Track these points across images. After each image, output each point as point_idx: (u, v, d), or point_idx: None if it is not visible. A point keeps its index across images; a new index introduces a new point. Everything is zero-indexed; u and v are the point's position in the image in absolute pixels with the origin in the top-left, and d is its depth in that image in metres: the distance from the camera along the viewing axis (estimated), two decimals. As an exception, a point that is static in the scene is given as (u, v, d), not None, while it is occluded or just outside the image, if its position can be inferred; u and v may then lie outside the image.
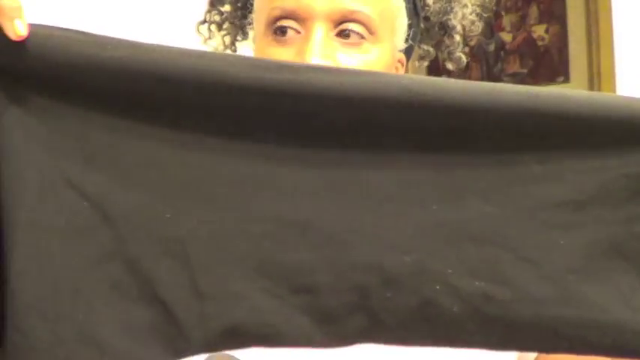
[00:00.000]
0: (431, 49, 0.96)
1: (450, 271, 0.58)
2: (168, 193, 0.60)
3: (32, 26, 0.59)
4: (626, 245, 0.57)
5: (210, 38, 0.98)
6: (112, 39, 0.60)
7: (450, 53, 0.95)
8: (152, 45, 0.60)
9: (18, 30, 0.58)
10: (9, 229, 0.58)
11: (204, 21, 0.98)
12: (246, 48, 0.98)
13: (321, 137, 0.60)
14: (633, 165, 0.57)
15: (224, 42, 0.97)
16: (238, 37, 0.97)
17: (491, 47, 1.99)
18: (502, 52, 2.00)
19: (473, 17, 0.95)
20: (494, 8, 1.00)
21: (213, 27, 0.97)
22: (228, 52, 0.98)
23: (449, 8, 0.93)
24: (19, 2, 0.58)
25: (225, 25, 0.97)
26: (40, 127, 0.59)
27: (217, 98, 0.59)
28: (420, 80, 0.59)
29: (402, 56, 0.90)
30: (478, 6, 0.95)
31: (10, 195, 0.58)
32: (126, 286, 0.60)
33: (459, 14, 0.94)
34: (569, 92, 0.59)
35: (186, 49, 0.60)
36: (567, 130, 0.57)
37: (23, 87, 0.59)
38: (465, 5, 0.94)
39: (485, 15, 0.96)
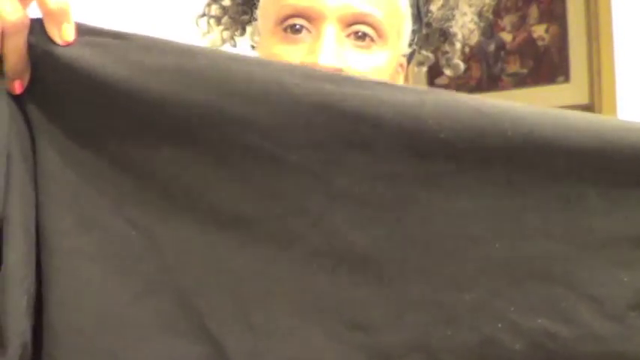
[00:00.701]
0: (430, 55, 0.97)
1: (512, 308, 0.56)
2: (221, 223, 0.58)
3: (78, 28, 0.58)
4: None
5: (208, 32, 0.97)
6: (156, 41, 0.58)
7: (448, 60, 0.95)
8: (201, 49, 0.59)
9: (66, 35, 0.57)
10: (47, 256, 0.56)
11: (204, 14, 0.98)
12: (244, 43, 0.98)
13: (381, 166, 0.57)
14: None
15: (222, 36, 0.97)
16: (237, 33, 0.97)
17: (492, 47, 1.98)
18: (502, 52, 2.00)
19: (472, 26, 0.95)
20: (490, 17, 0.99)
21: (212, 21, 0.97)
22: (227, 46, 0.98)
23: (450, 15, 0.93)
24: (68, 4, 0.57)
25: (224, 20, 0.97)
26: (83, 150, 0.58)
27: (276, 113, 0.57)
28: (488, 103, 0.56)
29: (404, 60, 0.90)
30: (476, 14, 0.95)
31: (50, 220, 0.57)
32: (173, 319, 0.58)
33: (460, 22, 0.94)
34: (632, 124, 0.57)
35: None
36: (629, 164, 0.55)
37: (63, 102, 0.58)
38: (465, 13, 0.94)
39: (482, 24, 0.96)
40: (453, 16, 0.93)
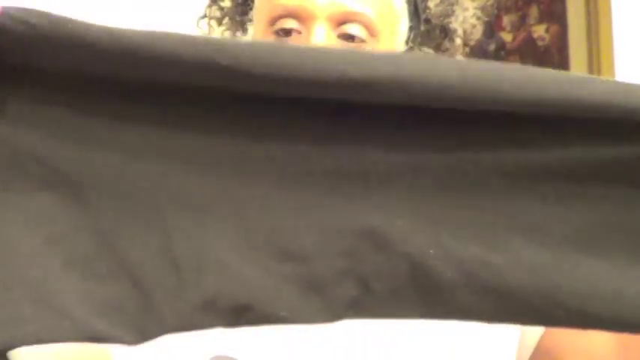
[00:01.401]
0: (431, 52, 0.97)
1: (444, 235, 0.56)
2: (143, 154, 0.56)
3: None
4: (625, 222, 0.57)
5: (209, 34, 0.98)
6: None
7: (450, 56, 0.95)
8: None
9: None
10: None
11: (205, 16, 0.98)
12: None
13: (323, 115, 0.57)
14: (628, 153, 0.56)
15: (223, 37, 0.97)
16: (238, 33, 0.97)
17: (492, 47, 1.99)
18: (502, 52, 2.00)
19: (473, 21, 0.95)
20: (495, 12, 0.99)
21: (213, 22, 0.97)
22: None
23: (450, 11, 0.93)
24: None
25: (225, 21, 0.97)
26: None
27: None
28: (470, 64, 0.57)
29: None
30: (478, 9, 0.95)
31: None
32: (92, 257, 0.56)
33: (460, 17, 0.94)
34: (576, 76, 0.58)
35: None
36: (555, 97, 0.55)
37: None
38: (466, 9, 0.94)
39: (485, 19, 0.96)
40: (453, 11, 0.93)
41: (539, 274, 0.55)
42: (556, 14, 1.94)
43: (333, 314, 0.57)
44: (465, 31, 0.95)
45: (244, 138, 0.57)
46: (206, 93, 0.56)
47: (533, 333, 0.83)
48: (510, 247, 0.56)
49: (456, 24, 0.94)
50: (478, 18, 0.95)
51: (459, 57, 0.96)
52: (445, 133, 0.57)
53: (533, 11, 1.99)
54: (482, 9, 0.96)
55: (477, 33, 0.95)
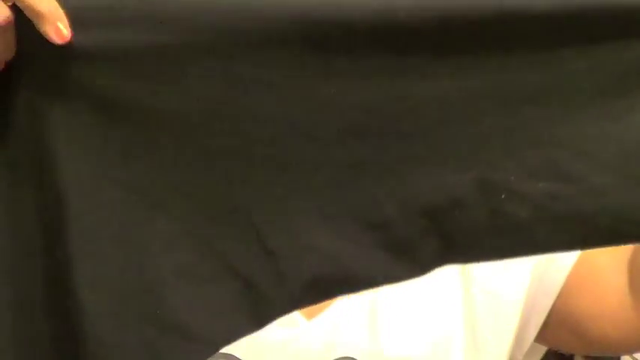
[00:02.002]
0: None
1: (512, 178, 0.57)
2: (217, 165, 0.59)
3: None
4: None
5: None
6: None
7: None
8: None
9: (63, 33, 0.56)
10: (61, 239, 0.57)
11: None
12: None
13: (360, 67, 0.57)
14: None
15: None
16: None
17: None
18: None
19: None
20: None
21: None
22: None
23: None
24: (56, 3, 0.55)
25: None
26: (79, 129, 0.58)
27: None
28: None
29: None
30: None
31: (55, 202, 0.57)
32: (196, 268, 0.59)
33: None
34: None
35: None
36: (603, 21, 0.56)
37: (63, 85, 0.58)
38: None
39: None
40: None
41: (606, 196, 0.57)
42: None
43: (422, 268, 0.60)
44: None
45: (304, 120, 0.59)
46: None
47: (541, 304, 0.82)
48: (577, 174, 0.57)
49: None
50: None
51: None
52: (491, 71, 0.57)
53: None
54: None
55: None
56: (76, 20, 0.56)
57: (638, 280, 0.76)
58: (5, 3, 0.55)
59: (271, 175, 0.59)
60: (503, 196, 0.57)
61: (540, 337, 0.82)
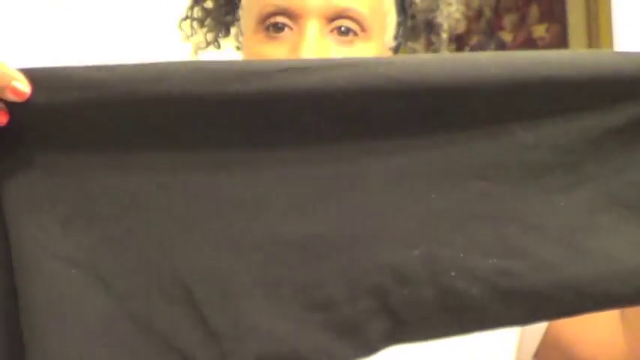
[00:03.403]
0: (417, 47, 0.96)
1: (461, 255, 0.57)
2: (160, 241, 0.59)
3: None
4: (624, 194, 0.58)
5: (192, 35, 0.97)
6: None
7: (435, 51, 0.95)
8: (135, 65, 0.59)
9: (23, 90, 0.57)
10: (25, 262, 0.57)
11: (187, 17, 0.97)
12: (229, 45, 0.98)
13: (308, 146, 0.59)
14: (616, 120, 0.57)
15: (206, 39, 0.97)
16: (220, 34, 0.97)
17: (492, 47, 1.98)
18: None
19: (457, 15, 0.95)
20: (476, 7, 0.99)
21: (195, 23, 0.97)
22: (211, 48, 0.98)
23: (435, 6, 0.93)
24: (8, 67, 0.57)
25: (208, 22, 0.96)
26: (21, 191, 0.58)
27: (183, 117, 0.58)
28: (399, 65, 0.58)
29: (391, 54, 0.90)
30: (462, 4, 0.95)
31: (26, 226, 0.58)
32: (137, 345, 0.58)
33: (445, 12, 0.93)
34: (545, 55, 0.59)
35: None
36: (549, 94, 0.57)
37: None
38: (450, 4, 0.94)
39: (468, 14, 0.96)
40: (438, 6, 0.93)
41: (558, 269, 0.57)
42: (556, 14, 1.93)
43: (370, 349, 0.59)
44: (449, 26, 0.96)
45: (249, 195, 0.59)
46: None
47: (535, 328, 0.83)
48: (527, 249, 0.57)
49: (441, 19, 0.93)
50: (462, 13, 0.95)
51: (445, 51, 0.96)
52: (435, 147, 0.58)
53: (533, 11, 1.98)
54: (465, 5, 0.96)
55: (461, 27, 0.95)
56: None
57: (629, 309, 0.77)
58: None
59: (214, 252, 0.59)
60: (453, 274, 0.57)
61: None
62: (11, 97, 0.57)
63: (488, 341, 0.80)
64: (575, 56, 0.59)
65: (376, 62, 0.60)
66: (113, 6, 1.47)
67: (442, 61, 0.58)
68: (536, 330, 0.83)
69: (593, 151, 0.57)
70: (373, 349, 0.59)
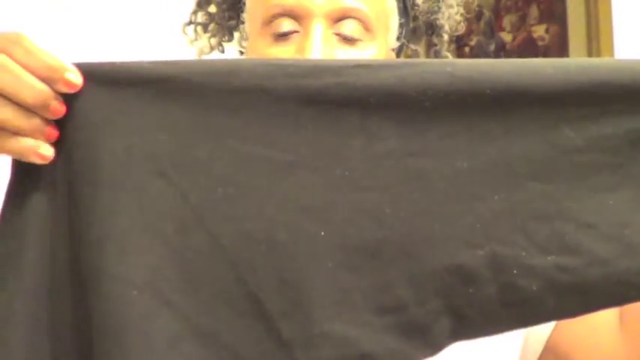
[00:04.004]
0: (419, 49, 0.97)
1: (523, 253, 0.59)
2: (225, 253, 0.59)
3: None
4: None
5: (196, 40, 0.98)
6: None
7: (437, 52, 0.95)
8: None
9: (73, 82, 0.58)
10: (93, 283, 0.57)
11: (190, 22, 0.98)
12: (232, 49, 0.98)
13: (375, 147, 0.60)
14: None
15: (210, 43, 0.97)
16: (224, 39, 0.97)
17: (492, 47, 1.98)
18: (502, 52, 1.99)
19: (458, 17, 0.95)
20: (475, 9, 1.00)
21: (199, 28, 0.97)
22: (215, 53, 0.98)
23: (436, 8, 0.93)
24: (60, 59, 0.58)
25: (211, 27, 0.97)
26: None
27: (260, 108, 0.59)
28: (463, 65, 0.60)
29: (394, 55, 0.90)
30: (462, 7, 0.95)
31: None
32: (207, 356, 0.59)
33: (446, 14, 0.94)
34: (595, 61, 0.62)
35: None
36: (596, 98, 0.60)
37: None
38: (451, 6, 0.94)
39: (468, 16, 0.96)
40: (439, 8, 0.93)
41: (609, 264, 0.59)
42: (556, 14, 1.93)
43: (434, 348, 0.61)
44: (450, 28, 0.96)
45: (319, 199, 0.60)
46: None
47: (540, 332, 0.83)
48: (581, 246, 0.60)
49: (443, 20, 0.94)
50: (462, 15, 0.95)
51: (447, 53, 0.96)
52: (496, 150, 0.60)
53: (533, 11, 1.98)
54: (465, 7, 0.97)
55: (462, 29, 0.96)
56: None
57: (628, 316, 0.77)
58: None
59: (283, 259, 0.59)
60: (515, 272, 0.59)
61: None
62: (65, 89, 0.58)
63: (493, 345, 0.80)
64: (621, 63, 0.62)
65: (441, 62, 0.61)
66: (113, 6, 1.48)
67: (501, 64, 0.60)
68: (540, 336, 0.83)
69: (635, 153, 0.61)
70: (439, 347, 0.61)
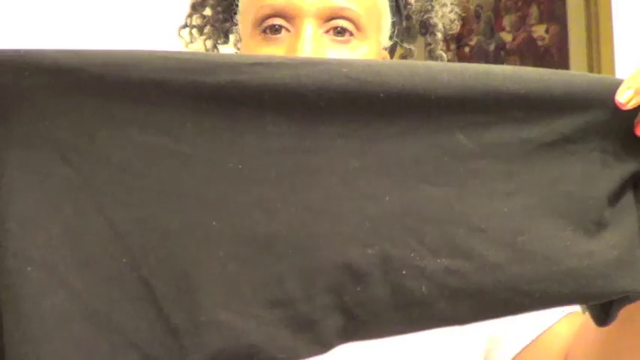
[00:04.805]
0: (412, 48, 0.97)
1: (412, 254, 0.59)
2: (119, 236, 0.60)
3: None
4: (557, 203, 0.61)
5: (191, 42, 0.98)
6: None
7: (431, 51, 0.95)
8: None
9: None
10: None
11: (186, 25, 0.98)
12: (228, 51, 0.98)
13: (269, 142, 0.60)
14: (551, 135, 0.61)
15: (205, 46, 0.97)
16: (219, 41, 0.97)
17: (492, 47, 1.98)
18: (502, 52, 1.99)
19: (453, 16, 0.95)
20: (473, 8, 1.00)
21: (194, 31, 0.97)
22: (211, 55, 0.98)
23: (429, 7, 0.93)
24: None
25: (207, 29, 0.97)
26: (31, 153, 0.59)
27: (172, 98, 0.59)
28: (358, 66, 0.60)
29: (386, 54, 0.90)
30: (456, 5, 0.95)
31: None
32: (94, 342, 0.59)
33: (439, 13, 0.94)
34: (493, 68, 0.62)
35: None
36: (491, 106, 0.60)
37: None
38: (445, 4, 0.94)
39: (463, 14, 0.96)
40: (432, 7, 0.93)
41: (500, 270, 0.60)
42: (556, 14, 1.93)
43: (324, 346, 0.60)
44: (444, 27, 0.96)
45: (214, 192, 0.60)
46: None
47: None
48: (473, 250, 0.60)
49: (436, 19, 0.94)
50: (456, 13, 0.95)
51: (441, 52, 0.96)
52: (388, 151, 0.61)
53: (533, 11, 1.98)
54: (460, 5, 0.97)
55: (456, 28, 0.96)
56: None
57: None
58: None
59: (176, 248, 0.60)
60: (404, 272, 0.59)
61: None
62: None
63: (453, 348, 0.81)
64: (518, 71, 0.62)
65: (339, 62, 0.62)
66: (108, 9, 1.48)
67: (398, 67, 0.61)
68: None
69: (529, 162, 0.61)
70: (327, 345, 0.60)
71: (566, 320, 0.83)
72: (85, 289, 0.59)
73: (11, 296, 0.58)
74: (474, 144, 0.60)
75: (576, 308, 0.82)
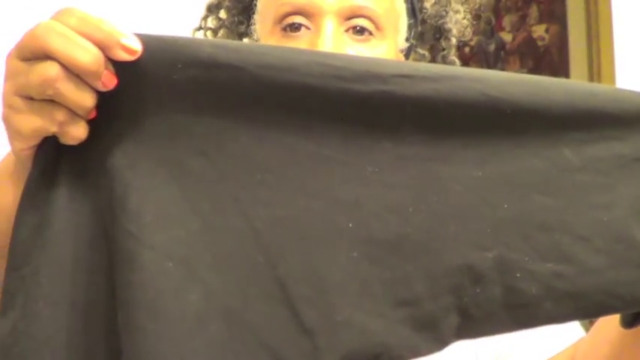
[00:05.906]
0: (426, 53, 0.97)
1: (526, 259, 0.64)
2: (258, 237, 0.60)
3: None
4: None
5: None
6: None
7: (444, 57, 0.96)
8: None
9: (132, 47, 0.54)
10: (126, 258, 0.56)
11: (200, 27, 0.98)
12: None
13: (404, 149, 0.63)
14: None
15: None
16: (234, 44, 0.97)
17: (492, 47, 1.98)
18: (502, 52, 2.00)
19: (465, 22, 0.96)
20: (491, 16, 1.00)
21: (209, 33, 0.98)
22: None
23: (444, 12, 0.94)
24: (115, 26, 0.55)
25: (221, 32, 0.97)
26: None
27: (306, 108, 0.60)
28: (493, 83, 0.64)
29: (402, 56, 0.90)
30: (468, 12, 0.95)
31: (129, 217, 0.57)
32: (228, 342, 0.59)
33: (453, 18, 0.94)
34: (594, 89, 0.67)
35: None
36: (593, 125, 0.65)
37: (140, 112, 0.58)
38: (457, 11, 0.95)
39: (474, 22, 0.97)
40: (447, 12, 0.94)
41: (600, 274, 0.65)
42: (556, 14, 1.94)
43: (441, 343, 0.64)
44: (458, 32, 0.97)
45: (347, 196, 0.62)
46: None
47: None
48: (576, 257, 0.65)
49: (451, 24, 0.94)
50: (469, 20, 0.96)
51: (454, 58, 0.97)
52: (507, 161, 0.65)
53: (533, 11, 1.98)
54: (472, 12, 0.98)
55: (468, 35, 0.96)
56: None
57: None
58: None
59: (311, 250, 0.61)
60: (517, 275, 0.64)
61: None
62: (122, 54, 0.54)
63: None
64: (616, 93, 0.68)
65: (472, 77, 0.64)
66: (123, 10, 1.47)
67: (521, 82, 0.65)
68: None
69: (624, 176, 0.66)
70: (444, 343, 0.63)
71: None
72: (221, 288, 0.59)
73: (148, 293, 0.56)
74: (577, 159, 0.66)
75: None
